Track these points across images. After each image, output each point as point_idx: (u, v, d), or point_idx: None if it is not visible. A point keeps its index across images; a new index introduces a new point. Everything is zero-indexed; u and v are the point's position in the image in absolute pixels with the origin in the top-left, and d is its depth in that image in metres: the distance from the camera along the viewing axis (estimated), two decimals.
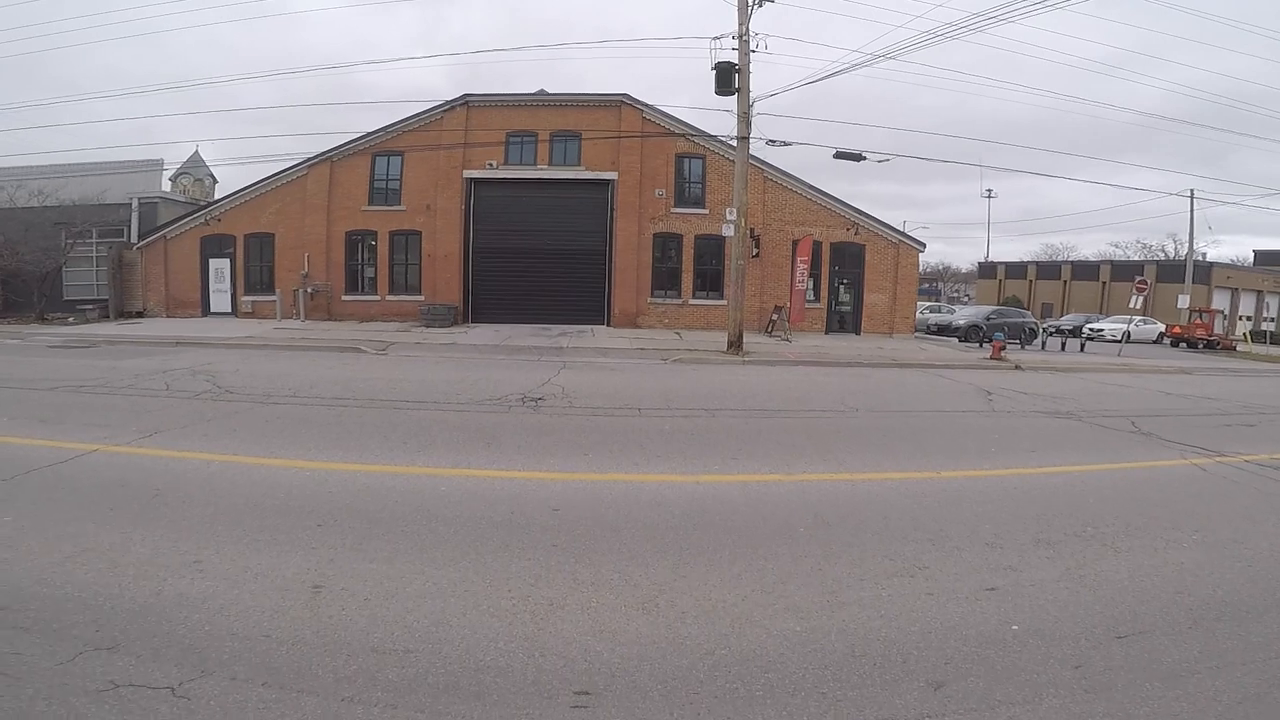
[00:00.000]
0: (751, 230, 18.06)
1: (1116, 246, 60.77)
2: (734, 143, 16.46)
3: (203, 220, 22.35)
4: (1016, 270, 56.86)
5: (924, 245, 23.27)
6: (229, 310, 22.21)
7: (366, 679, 2.71)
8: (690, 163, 22.23)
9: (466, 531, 4.28)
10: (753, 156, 17.71)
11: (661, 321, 21.95)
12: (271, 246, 22.14)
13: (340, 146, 21.89)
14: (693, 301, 22.20)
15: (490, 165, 21.77)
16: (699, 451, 6.63)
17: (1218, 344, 29.36)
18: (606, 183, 21.79)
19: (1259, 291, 45.46)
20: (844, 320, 22.77)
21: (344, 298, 21.93)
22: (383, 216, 21.98)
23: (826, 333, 22.24)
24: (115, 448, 6.10)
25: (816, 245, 21.36)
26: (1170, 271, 40.26)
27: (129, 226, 23.91)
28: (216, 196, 28.16)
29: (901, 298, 23.03)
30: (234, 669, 2.73)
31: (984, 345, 21.57)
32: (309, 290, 21.36)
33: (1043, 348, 23.44)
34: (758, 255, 20.98)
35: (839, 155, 17.24)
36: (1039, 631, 3.32)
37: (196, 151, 33.51)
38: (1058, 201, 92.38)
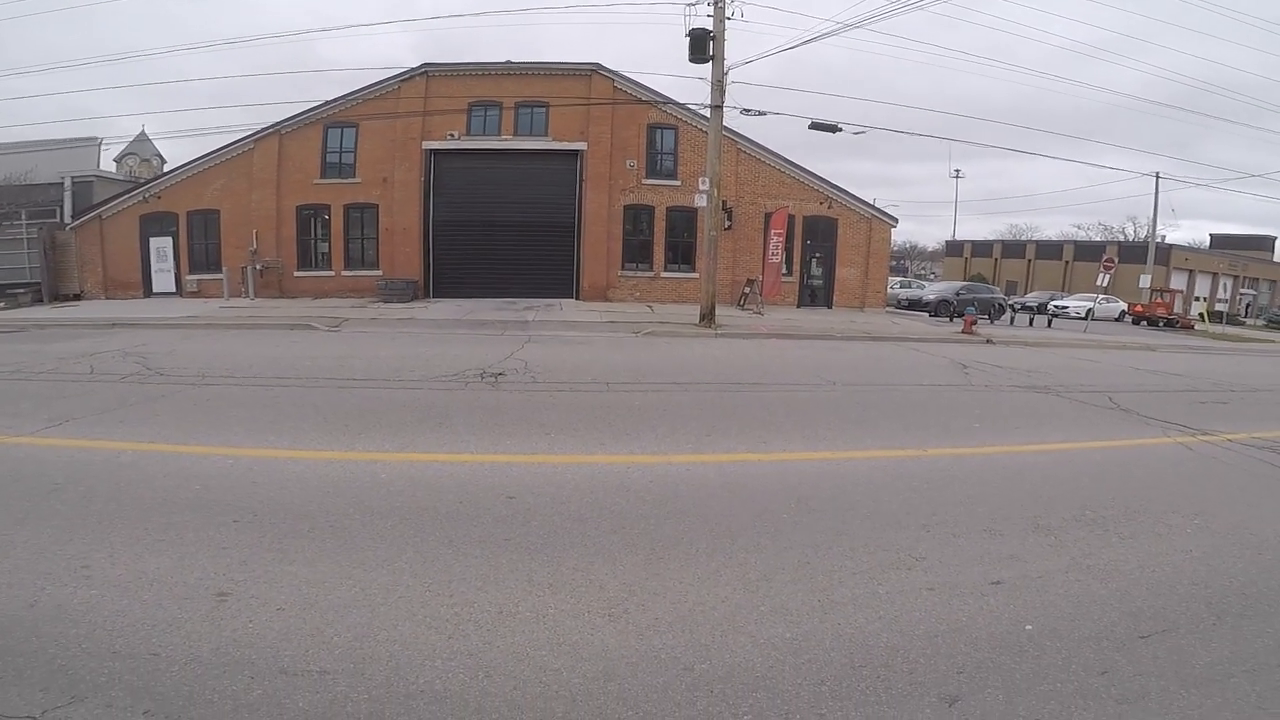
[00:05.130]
0: (724, 202, 17.55)
1: (1079, 228, 61.65)
2: (707, 113, 15.88)
3: (141, 198, 21.06)
4: (982, 249, 57.40)
5: (896, 220, 23.10)
6: (173, 290, 21.00)
7: (271, 707, 2.23)
8: (662, 134, 21.56)
9: (406, 526, 3.73)
10: (726, 128, 17.17)
11: (632, 295, 21.41)
12: (217, 223, 20.98)
13: (290, 118, 20.72)
14: (664, 274, 21.69)
15: (452, 136, 20.80)
16: (671, 429, 6.16)
17: (1178, 323, 30.02)
18: (575, 153, 21.02)
19: (1214, 274, 46.56)
20: (815, 294, 22.54)
21: (296, 274, 20.86)
22: (336, 190, 20.91)
23: (798, 306, 21.99)
24: (16, 438, 5.39)
25: (790, 219, 20.99)
26: (1131, 252, 40.84)
27: (61, 207, 22.66)
28: None
29: (873, 272, 22.86)
30: (110, 694, 2.26)
31: (954, 320, 21.66)
32: (258, 267, 20.26)
33: (1011, 323, 23.57)
34: (730, 228, 20.52)
35: (814, 126, 16.77)
36: (1055, 631, 2.97)
37: (143, 131, 32.03)
38: (1024, 183, 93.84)
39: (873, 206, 22.93)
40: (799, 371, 10.06)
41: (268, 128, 20.65)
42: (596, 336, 13.57)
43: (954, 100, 41.67)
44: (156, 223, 21.06)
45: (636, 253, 21.70)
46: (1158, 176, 32.82)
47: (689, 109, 20.27)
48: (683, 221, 21.48)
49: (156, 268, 21.20)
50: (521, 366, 9.18)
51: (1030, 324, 23.38)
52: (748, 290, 20.52)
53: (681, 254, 21.80)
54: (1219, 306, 41.12)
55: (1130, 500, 4.81)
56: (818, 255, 22.41)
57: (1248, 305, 46.58)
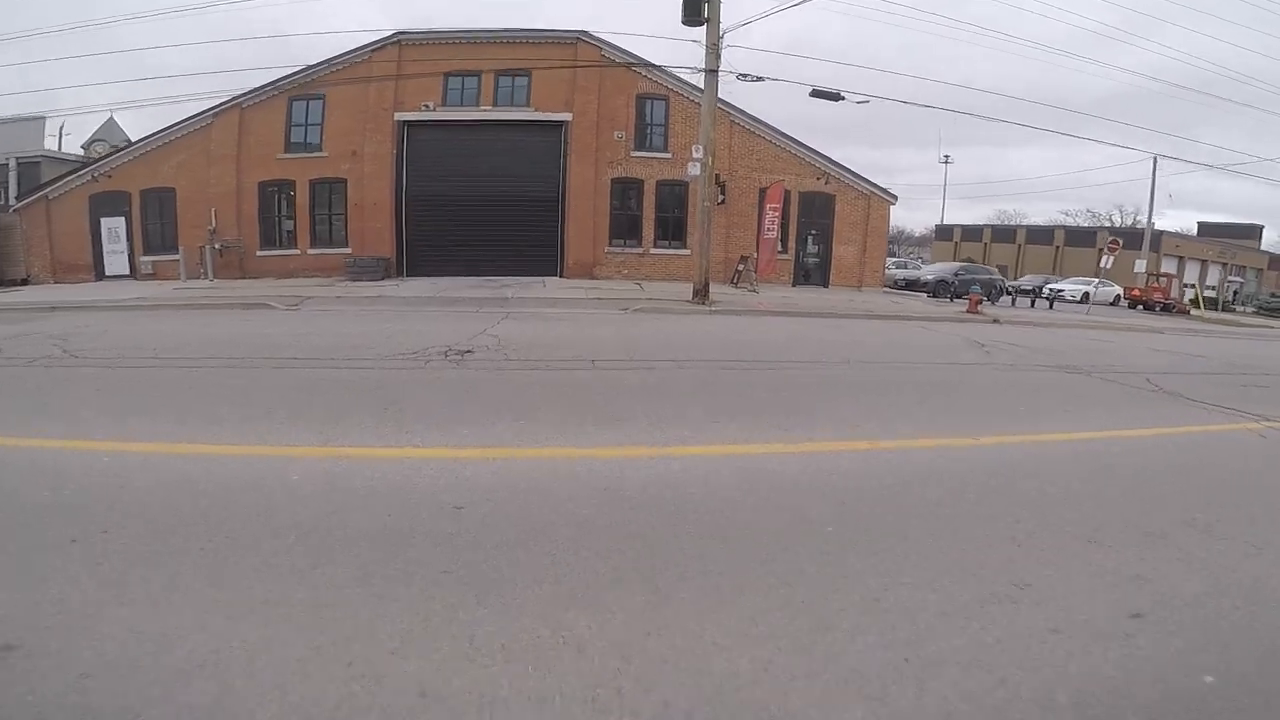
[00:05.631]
0: (717, 176, 16.45)
1: (1066, 214, 61.29)
2: (700, 81, 14.79)
3: (90, 177, 19.68)
4: (972, 233, 57.04)
5: (895, 198, 22.09)
6: (127, 273, 19.68)
7: None
8: (653, 105, 20.35)
9: (306, 548, 2.66)
10: (721, 100, 16.08)
11: (620, 272, 20.28)
12: (173, 202, 19.60)
13: (251, 91, 19.32)
14: (654, 251, 20.53)
15: (426, 107, 19.48)
16: (669, 411, 5.10)
17: (1173, 307, 29.89)
18: (559, 125, 19.75)
19: (1203, 261, 46.80)
20: (811, 272, 21.57)
21: (259, 253, 19.49)
22: (302, 164, 19.57)
23: (794, 285, 21.01)
24: None
25: (785, 194, 19.96)
26: (1123, 238, 40.62)
27: (6, 187, 21.40)
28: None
29: (871, 250, 21.88)
30: None
31: (953, 300, 20.95)
32: (217, 247, 18.91)
33: (1013, 304, 23.04)
34: (724, 203, 19.40)
35: (815, 93, 15.64)
36: (1245, 682, 2.06)
37: (111, 118, 30.37)
38: (1014, 169, 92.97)
39: (871, 182, 21.93)
40: (807, 349, 9.07)
41: (227, 101, 19.21)
42: (581, 313, 12.47)
43: (953, 75, 40.67)
44: (108, 203, 19.71)
45: (624, 229, 20.50)
46: (1155, 161, 32.40)
47: (681, 79, 19.14)
48: (673, 197, 20.34)
49: (109, 249, 19.85)
50: (494, 343, 8.06)
51: (1031, 305, 22.92)
52: (741, 268, 19.51)
53: (672, 230, 20.67)
54: (1208, 293, 41.19)
55: (1237, 498, 3.90)
56: (814, 233, 21.39)
57: (1235, 292, 46.75)
